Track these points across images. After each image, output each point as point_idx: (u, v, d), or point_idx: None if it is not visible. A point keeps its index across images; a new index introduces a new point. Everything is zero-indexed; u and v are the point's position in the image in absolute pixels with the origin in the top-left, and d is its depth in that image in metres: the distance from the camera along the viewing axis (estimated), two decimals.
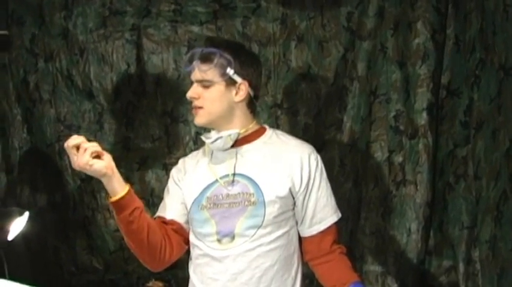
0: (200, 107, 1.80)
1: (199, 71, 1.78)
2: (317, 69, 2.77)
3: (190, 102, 1.84)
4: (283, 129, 2.60)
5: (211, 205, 1.81)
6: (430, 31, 2.57)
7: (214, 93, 1.78)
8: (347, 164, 2.77)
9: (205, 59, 1.76)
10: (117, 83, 2.93)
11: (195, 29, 2.86)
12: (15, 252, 2.74)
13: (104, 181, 1.69)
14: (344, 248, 1.87)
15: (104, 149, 2.93)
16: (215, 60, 1.75)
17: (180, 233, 1.88)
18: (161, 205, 1.94)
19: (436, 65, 2.58)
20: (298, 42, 2.78)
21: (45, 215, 3.01)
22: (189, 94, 1.80)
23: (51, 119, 3.01)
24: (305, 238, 1.86)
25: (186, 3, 2.85)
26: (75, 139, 1.63)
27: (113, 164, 1.69)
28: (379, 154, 2.71)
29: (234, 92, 1.80)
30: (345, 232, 2.71)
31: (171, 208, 1.90)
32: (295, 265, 1.85)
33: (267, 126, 1.93)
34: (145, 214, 1.79)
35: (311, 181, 1.81)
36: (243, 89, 1.80)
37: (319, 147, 2.69)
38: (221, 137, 1.81)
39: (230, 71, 1.77)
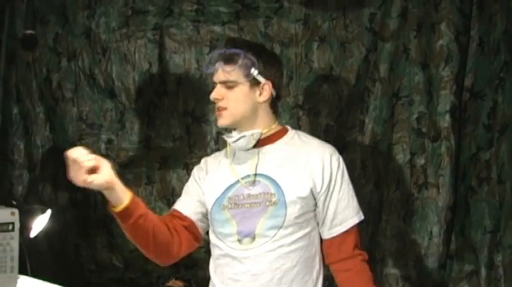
0: (224, 108, 1.81)
1: (223, 72, 1.79)
2: (339, 70, 2.76)
3: (213, 103, 1.85)
4: (304, 131, 2.59)
5: (232, 205, 1.82)
6: (454, 32, 2.53)
7: (238, 94, 1.79)
8: (368, 166, 2.75)
9: (229, 60, 1.78)
10: (139, 82, 2.95)
11: (217, 29, 2.86)
12: (37, 249, 2.78)
13: (106, 193, 1.65)
14: (366, 255, 1.86)
15: (125, 148, 2.98)
16: (239, 61, 1.76)
17: (191, 231, 1.89)
18: (178, 199, 1.95)
19: (459, 67, 2.55)
20: (320, 43, 2.77)
21: (66, 213, 3.04)
22: (213, 95, 1.81)
23: (74, 118, 3.03)
24: (326, 240, 1.85)
25: (209, 3, 2.86)
26: (74, 152, 1.57)
27: (112, 174, 1.62)
28: (401, 156, 2.68)
29: (257, 92, 1.81)
30: (366, 235, 2.68)
31: (187, 205, 1.91)
32: (317, 267, 1.85)
33: (289, 127, 1.94)
34: (151, 216, 1.77)
35: (332, 182, 1.81)
36: (267, 89, 1.82)
37: (341, 149, 2.67)
38: (244, 137, 1.82)
39: (254, 72, 1.78)
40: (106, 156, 2.94)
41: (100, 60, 2.98)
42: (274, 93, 1.85)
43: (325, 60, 2.77)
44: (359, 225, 1.85)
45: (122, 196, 1.66)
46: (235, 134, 1.86)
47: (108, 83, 2.98)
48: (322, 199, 1.81)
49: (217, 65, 1.81)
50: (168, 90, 2.93)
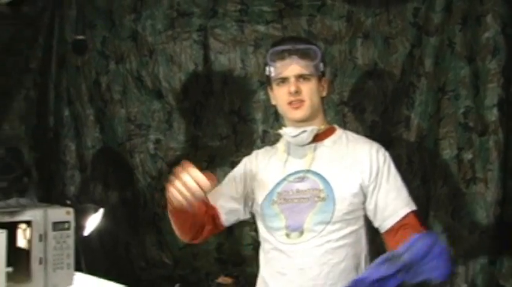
0: (303, 101, 1.84)
1: (299, 66, 1.82)
2: (383, 66, 2.75)
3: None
4: (350, 127, 2.61)
5: (282, 200, 1.85)
6: (500, 24, 2.49)
7: (313, 87, 1.85)
8: (415, 161, 2.73)
9: (306, 55, 1.83)
10: (185, 82, 3.00)
11: (261, 28, 2.88)
12: (90, 247, 2.85)
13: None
14: None
15: (172, 147, 3.03)
16: (312, 55, 1.83)
17: (214, 220, 1.97)
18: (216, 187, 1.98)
19: (507, 59, 2.50)
20: (364, 40, 2.76)
21: (116, 212, 3.11)
22: (293, 88, 1.82)
23: (122, 119, 3.11)
24: (383, 234, 1.85)
25: (252, 2, 2.89)
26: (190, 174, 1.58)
27: None
28: (448, 151, 2.65)
29: (321, 87, 1.88)
30: None
31: (219, 195, 1.96)
32: (362, 266, 1.85)
33: (336, 126, 1.98)
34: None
35: (379, 174, 1.82)
36: (326, 85, 1.91)
37: (387, 144, 2.63)
38: (305, 131, 1.85)
39: (321, 66, 1.86)
40: (154, 155, 3.03)
41: (147, 62, 3.05)
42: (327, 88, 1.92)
43: (369, 56, 2.76)
44: (416, 217, 1.83)
45: None
46: (290, 130, 1.89)
47: (155, 84, 3.04)
48: (370, 191, 1.82)
49: (289, 59, 1.82)
50: (214, 90, 2.97)
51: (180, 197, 1.59)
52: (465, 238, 2.63)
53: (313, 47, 1.86)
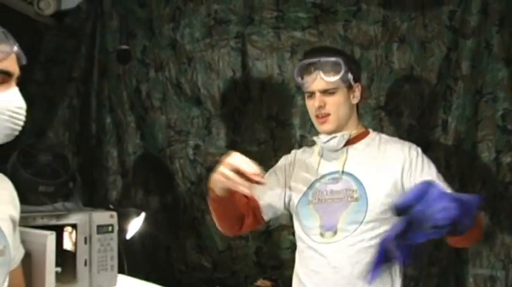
0: (328, 114, 1.88)
1: (323, 81, 1.86)
2: (420, 70, 2.75)
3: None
4: (387, 131, 2.63)
5: (317, 200, 1.91)
6: None
7: (339, 99, 1.88)
8: (453, 165, 2.71)
9: (330, 69, 1.85)
10: (223, 89, 3.04)
11: (298, 34, 2.91)
12: (132, 250, 2.91)
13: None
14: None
15: (211, 153, 3.07)
16: (337, 68, 1.85)
17: (255, 213, 2.01)
18: None
19: None
20: (400, 44, 2.77)
21: (157, 216, 3.15)
22: (317, 104, 1.87)
23: (162, 126, 3.16)
24: None
25: (288, 9, 2.91)
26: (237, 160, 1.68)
27: None
28: (486, 154, 2.64)
29: (351, 95, 1.91)
30: None
31: (260, 188, 1.98)
32: (397, 265, 1.87)
33: (370, 130, 2.02)
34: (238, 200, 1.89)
35: (413, 166, 1.85)
36: (358, 91, 1.93)
37: (424, 148, 2.62)
38: (335, 137, 1.89)
39: (350, 76, 1.87)
40: (194, 161, 3.09)
41: (186, 69, 3.10)
42: (360, 94, 1.94)
43: (405, 60, 2.77)
44: None
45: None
46: (322, 137, 1.94)
47: (194, 91, 3.09)
48: (406, 182, 1.83)
49: (314, 74, 1.87)
50: (251, 96, 3.01)
51: (225, 180, 1.66)
52: (504, 242, 2.61)
53: (339, 60, 1.87)
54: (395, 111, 2.79)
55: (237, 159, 1.68)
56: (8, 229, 1.48)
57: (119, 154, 3.27)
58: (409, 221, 1.30)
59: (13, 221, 1.52)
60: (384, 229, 1.82)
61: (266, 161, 2.97)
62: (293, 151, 2.11)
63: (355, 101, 1.93)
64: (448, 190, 1.78)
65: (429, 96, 2.75)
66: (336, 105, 1.88)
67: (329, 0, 2.85)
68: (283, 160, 2.09)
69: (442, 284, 2.73)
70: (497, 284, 2.64)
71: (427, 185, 1.31)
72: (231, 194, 1.78)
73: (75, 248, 2.38)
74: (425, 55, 2.74)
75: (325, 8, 2.86)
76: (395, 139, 1.99)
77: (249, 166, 1.66)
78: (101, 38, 3.26)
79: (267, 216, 2.05)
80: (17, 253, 1.59)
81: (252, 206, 2.00)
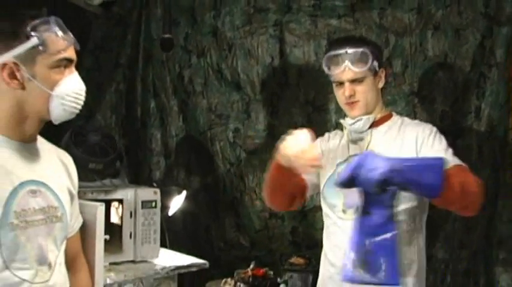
0: (357, 101, 1.97)
1: (351, 71, 1.94)
2: (454, 57, 2.77)
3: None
4: (420, 117, 2.68)
5: None
6: None
7: (367, 87, 1.97)
8: (485, 151, 2.74)
9: (356, 59, 1.93)
10: (262, 75, 3.12)
11: (334, 22, 2.96)
12: (173, 227, 3.04)
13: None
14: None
15: (250, 136, 3.15)
16: (364, 58, 1.93)
17: (303, 191, 2.13)
18: None
19: None
20: (434, 31, 2.80)
21: (198, 196, 3.28)
22: (348, 93, 1.96)
23: (204, 109, 3.27)
24: None
25: None
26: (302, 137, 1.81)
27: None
28: None
29: (377, 80, 1.99)
30: (482, 219, 2.71)
31: None
32: (416, 246, 1.94)
33: (394, 113, 2.09)
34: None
35: (424, 142, 1.91)
36: (382, 76, 2.01)
37: (457, 134, 2.72)
38: (360, 120, 1.98)
39: (376, 64, 1.95)
40: (233, 143, 3.19)
41: (226, 56, 3.20)
42: (385, 77, 2.03)
43: (439, 47, 2.79)
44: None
45: None
46: (348, 120, 2.04)
47: (234, 76, 3.19)
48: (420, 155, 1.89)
49: (343, 65, 1.95)
50: (289, 82, 3.08)
51: (293, 159, 1.78)
52: None
53: (366, 50, 1.94)
54: (429, 98, 2.83)
55: (302, 138, 1.80)
56: (65, 199, 1.62)
57: (162, 136, 3.40)
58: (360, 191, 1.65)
59: (70, 193, 1.66)
60: (402, 207, 1.88)
61: None
62: (326, 134, 2.20)
63: (380, 85, 2.02)
64: (458, 162, 1.83)
65: (462, 83, 2.78)
66: (365, 93, 1.97)
67: None
68: (319, 142, 2.17)
69: (472, 267, 2.79)
70: None
71: (364, 156, 1.58)
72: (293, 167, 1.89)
73: (121, 222, 2.53)
74: (460, 42, 2.76)
75: None
76: (416, 121, 2.06)
77: (312, 149, 1.78)
78: (146, 26, 3.38)
79: (309, 194, 2.19)
80: (75, 221, 1.74)
81: (302, 185, 2.11)
